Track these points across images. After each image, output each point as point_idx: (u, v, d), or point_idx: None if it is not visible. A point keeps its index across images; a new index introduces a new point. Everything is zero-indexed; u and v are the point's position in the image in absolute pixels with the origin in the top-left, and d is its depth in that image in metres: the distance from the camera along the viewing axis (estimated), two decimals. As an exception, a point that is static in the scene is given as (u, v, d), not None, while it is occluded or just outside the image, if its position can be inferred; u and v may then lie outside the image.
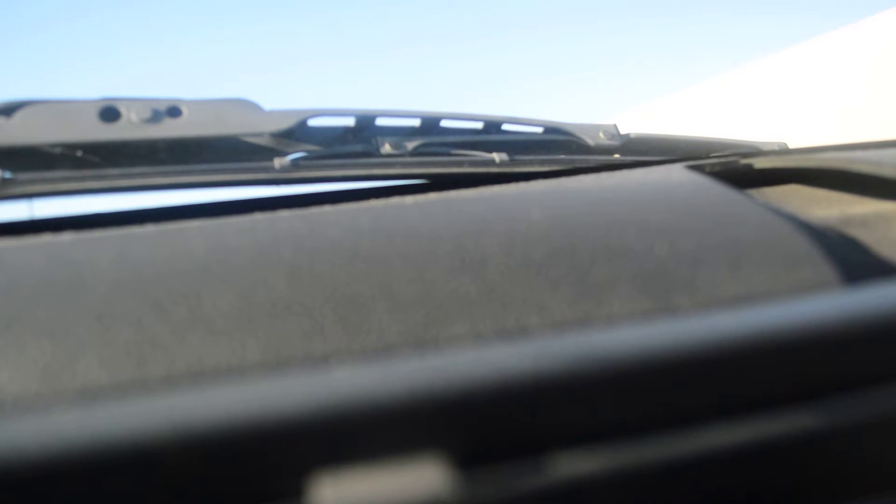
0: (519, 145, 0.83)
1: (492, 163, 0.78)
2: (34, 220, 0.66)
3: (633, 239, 0.44)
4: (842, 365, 0.33)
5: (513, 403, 0.29)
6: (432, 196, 0.58)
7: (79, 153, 0.69)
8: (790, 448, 0.32)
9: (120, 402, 0.28)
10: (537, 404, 0.29)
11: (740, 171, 0.68)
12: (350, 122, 0.80)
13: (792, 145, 0.87)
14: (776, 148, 0.86)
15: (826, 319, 0.32)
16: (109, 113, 0.70)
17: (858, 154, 0.62)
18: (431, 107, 0.83)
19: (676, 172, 0.62)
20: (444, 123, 0.83)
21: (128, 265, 0.41)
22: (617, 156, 0.87)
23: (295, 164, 0.73)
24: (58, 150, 0.69)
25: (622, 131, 0.89)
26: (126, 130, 0.70)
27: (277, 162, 0.72)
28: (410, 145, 0.78)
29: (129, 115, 0.70)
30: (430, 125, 0.82)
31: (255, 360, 0.36)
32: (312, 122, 0.77)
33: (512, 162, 0.79)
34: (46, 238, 0.47)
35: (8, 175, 0.66)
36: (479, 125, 0.84)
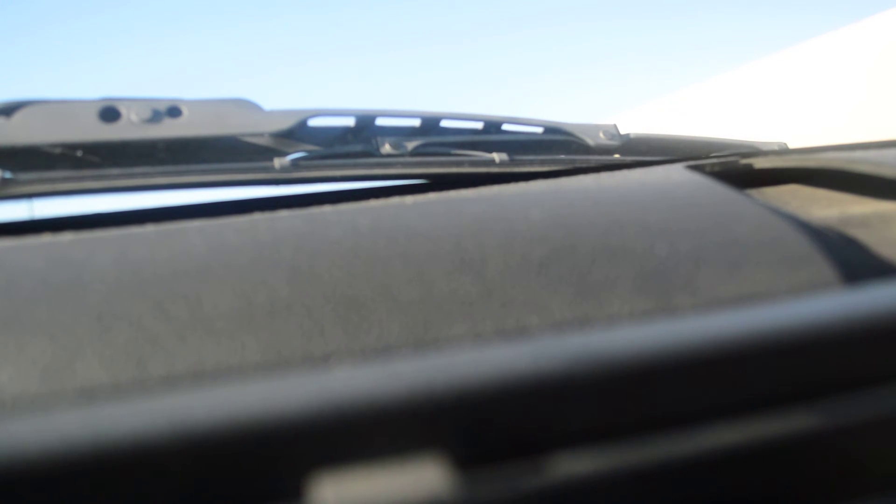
0: (519, 145, 0.83)
1: (492, 163, 0.78)
2: (34, 220, 0.66)
3: (633, 239, 0.44)
4: (842, 365, 0.33)
5: (513, 403, 0.29)
6: (432, 196, 0.58)
7: (79, 153, 0.69)
8: (790, 448, 0.32)
9: (120, 402, 0.28)
10: (537, 404, 0.29)
11: (740, 171, 0.68)
12: (350, 122, 0.80)
13: (792, 145, 0.87)
14: (776, 148, 0.86)
15: (826, 319, 0.32)
16: (109, 113, 0.70)
17: (858, 154, 0.62)
18: (431, 107, 0.83)
19: (676, 172, 0.62)
20: (444, 123, 0.83)
21: (128, 265, 0.41)
22: (617, 156, 0.87)
23: (295, 164, 0.73)
24: (58, 150, 0.68)
25: (622, 131, 0.89)
26: (126, 130, 0.70)
27: (277, 162, 0.72)
28: (410, 145, 0.78)
29: (129, 115, 0.70)
30: (430, 125, 0.82)
31: (255, 360, 0.36)
32: (312, 122, 0.77)
33: (512, 162, 0.79)
34: (46, 238, 0.47)
35: (8, 175, 0.66)
36: (479, 125, 0.84)
